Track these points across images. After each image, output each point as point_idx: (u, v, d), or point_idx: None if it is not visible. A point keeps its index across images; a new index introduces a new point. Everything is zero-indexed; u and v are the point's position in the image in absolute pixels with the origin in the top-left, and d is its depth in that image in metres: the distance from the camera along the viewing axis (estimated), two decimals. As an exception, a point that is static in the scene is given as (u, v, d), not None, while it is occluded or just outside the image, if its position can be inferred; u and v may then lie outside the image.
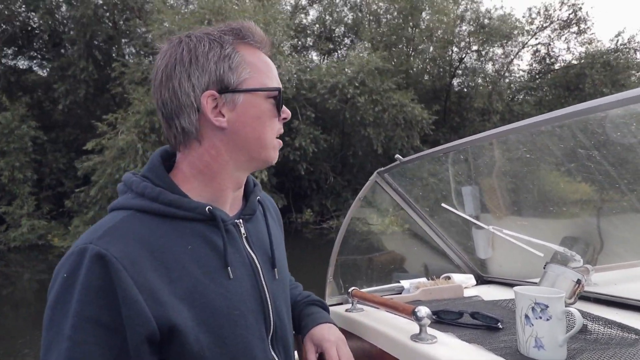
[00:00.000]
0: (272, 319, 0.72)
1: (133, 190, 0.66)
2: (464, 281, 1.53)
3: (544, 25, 17.29)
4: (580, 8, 16.69)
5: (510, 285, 1.43)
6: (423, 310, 0.89)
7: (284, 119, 0.73)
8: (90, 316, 0.54)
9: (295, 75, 12.65)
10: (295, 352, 0.95)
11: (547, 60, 18.12)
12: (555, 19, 17.07)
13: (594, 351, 0.80)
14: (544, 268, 1.17)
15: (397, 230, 1.77)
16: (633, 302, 1.05)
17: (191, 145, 0.68)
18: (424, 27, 16.39)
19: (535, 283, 1.17)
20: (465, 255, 1.63)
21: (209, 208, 0.66)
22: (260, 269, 0.72)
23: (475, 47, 16.62)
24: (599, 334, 0.89)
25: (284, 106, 0.71)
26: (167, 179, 0.67)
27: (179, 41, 0.67)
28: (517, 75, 18.87)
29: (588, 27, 17.19)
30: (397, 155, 1.38)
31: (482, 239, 1.60)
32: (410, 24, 16.33)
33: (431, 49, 16.57)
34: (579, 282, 1.11)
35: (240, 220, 0.73)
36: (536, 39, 17.65)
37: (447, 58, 16.68)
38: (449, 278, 1.50)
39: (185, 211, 0.65)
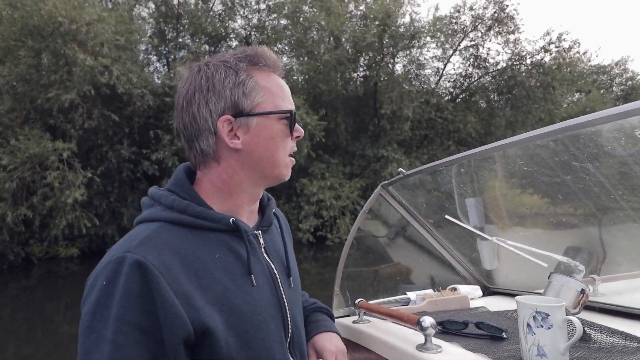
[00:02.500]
0: (289, 325, 0.76)
1: (162, 204, 0.71)
2: (470, 292, 1.54)
3: (473, 25, 15.83)
4: (507, 6, 15.38)
5: (517, 296, 1.44)
6: (428, 321, 0.91)
7: (297, 137, 0.78)
8: (130, 320, 0.57)
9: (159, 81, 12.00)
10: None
11: (477, 63, 16.69)
12: (483, 18, 15.68)
13: (595, 359, 0.82)
14: (549, 278, 1.19)
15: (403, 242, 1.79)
16: (637, 312, 1.05)
17: (210, 164, 0.73)
18: (325, 30, 14.39)
19: (541, 293, 1.19)
20: (471, 266, 1.64)
21: (233, 220, 0.71)
22: (278, 277, 0.76)
23: (386, 51, 14.74)
24: (602, 343, 0.90)
25: (297, 125, 0.76)
26: (193, 192, 0.72)
27: (198, 69, 0.73)
28: (449, 79, 17.33)
29: (517, 27, 15.84)
30: (400, 169, 1.42)
31: (487, 250, 1.61)
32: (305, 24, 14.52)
33: (322, 50, 14.35)
34: (583, 292, 1.13)
35: (259, 232, 0.78)
36: (472, 40, 16.25)
37: (351, 62, 14.95)
38: (455, 289, 1.52)
39: (212, 222, 0.70)
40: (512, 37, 15.74)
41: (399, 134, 14.19)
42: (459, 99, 17.01)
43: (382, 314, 1.12)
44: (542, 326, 0.81)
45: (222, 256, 0.69)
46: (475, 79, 16.81)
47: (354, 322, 1.24)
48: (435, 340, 0.94)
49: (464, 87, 17.12)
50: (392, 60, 15.36)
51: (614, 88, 23.36)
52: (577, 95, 22.44)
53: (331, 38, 14.51)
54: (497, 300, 1.47)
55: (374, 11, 13.94)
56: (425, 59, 16.28)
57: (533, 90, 15.51)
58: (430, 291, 1.50)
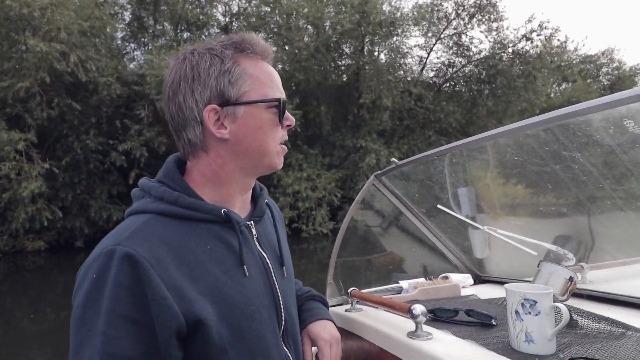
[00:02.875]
0: (283, 314, 0.76)
1: (152, 195, 0.70)
2: (462, 281, 1.56)
3: (455, 12, 15.21)
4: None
5: (507, 283, 1.46)
6: (418, 308, 0.92)
7: (288, 126, 0.76)
8: (121, 313, 0.57)
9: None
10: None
11: (460, 52, 16.19)
12: (465, 6, 15.15)
13: (582, 345, 0.84)
14: (538, 266, 1.20)
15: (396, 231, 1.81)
16: (623, 298, 1.08)
17: (199, 154, 0.72)
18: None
19: (531, 281, 1.21)
20: (462, 255, 1.66)
21: (224, 210, 0.70)
22: (271, 268, 0.76)
23: (367, 40, 14.17)
24: (589, 329, 0.92)
25: (287, 113, 0.75)
26: (184, 183, 0.71)
27: (183, 58, 0.72)
28: (432, 68, 16.73)
29: (500, 15, 15.30)
30: (393, 159, 1.42)
31: (479, 239, 1.63)
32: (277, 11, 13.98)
33: (302, 37, 13.78)
34: (571, 279, 1.15)
35: (251, 222, 0.77)
36: (455, 28, 15.67)
37: (332, 51, 14.27)
38: (446, 278, 1.54)
39: (203, 213, 0.69)
40: (495, 25, 15.40)
41: (379, 124, 13.88)
42: (441, 89, 16.58)
43: (374, 303, 1.13)
44: (530, 313, 0.82)
45: (214, 247, 0.68)
46: (459, 67, 16.38)
47: (346, 310, 1.26)
48: (426, 328, 0.95)
49: (447, 76, 16.69)
50: (373, 49, 14.79)
51: (601, 77, 23.34)
52: (563, 85, 22.18)
53: (308, 26, 14.09)
54: (487, 288, 1.49)
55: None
56: (407, 47, 15.79)
57: (514, 79, 15.15)
58: (422, 280, 1.51)
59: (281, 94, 0.74)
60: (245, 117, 0.70)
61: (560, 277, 1.15)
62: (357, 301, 1.25)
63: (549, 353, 0.81)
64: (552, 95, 21.02)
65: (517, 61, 15.37)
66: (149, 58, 11.80)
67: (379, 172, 1.53)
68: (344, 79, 15.16)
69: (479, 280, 1.63)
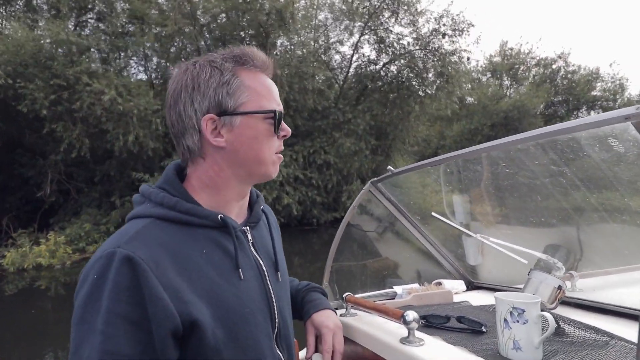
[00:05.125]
0: (277, 318, 0.79)
1: (152, 200, 0.73)
2: (455, 287, 1.59)
3: (378, 8, 13.60)
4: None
5: (499, 290, 1.49)
6: (411, 315, 0.95)
7: (284, 136, 0.79)
8: (120, 313, 0.59)
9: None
10: (301, 353, 1.01)
11: (380, 48, 14.72)
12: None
13: (567, 353, 0.87)
14: (528, 274, 1.24)
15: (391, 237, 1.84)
16: (609, 307, 1.11)
17: (197, 161, 0.76)
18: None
19: (522, 289, 1.24)
20: (456, 261, 1.70)
21: (220, 216, 0.73)
22: (266, 272, 0.79)
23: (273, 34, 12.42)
24: (575, 337, 0.95)
25: (283, 124, 0.78)
26: (182, 189, 0.75)
27: (185, 68, 0.75)
28: (356, 66, 15.18)
29: (420, 12, 13.87)
30: (389, 167, 1.45)
31: (472, 246, 1.66)
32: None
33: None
34: (560, 288, 1.18)
35: (247, 228, 0.80)
36: (377, 25, 14.06)
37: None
38: (440, 284, 1.57)
39: (200, 219, 0.72)
40: (420, 20, 13.95)
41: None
42: (357, 88, 15.27)
43: (369, 308, 1.16)
44: (518, 321, 0.85)
45: (210, 251, 0.71)
46: (380, 66, 15.01)
47: (341, 315, 1.28)
48: (418, 334, 0.98)
49: (367, 75, 15.17)
50: (280, 43, 13.32)
51: (558, 81, 23.33)
52: (521, 88, 21.64)
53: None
54: (479, 295, 1.52)
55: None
56: (326, 43, 14.65)
57: (428, 79, 14.25)
58: (416, 285, 1.54)
59: (278, 105, 0.77)
60: (241, 127, 0.74)
61: (549, 286, 1.18)
62: (351, 306, 1.28)
63: (535, 360, 0.84)
64: (507, 97, 20.61)
65: (433, 60, 14.16)
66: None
67: (375, 179, 1.56)
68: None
69: (471, 286, 1.66)
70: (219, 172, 0.75)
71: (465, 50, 14.31)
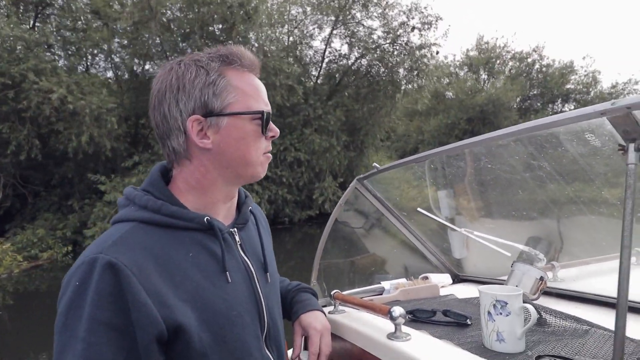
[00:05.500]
0: (266, 319, 0.78)
1: (136, 204, 0.71)
2: (441, 281, 1.62)
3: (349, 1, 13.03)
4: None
5: (484, 283, 1.52)
6: (397, 311, 0.96)
7: (272, 137, 0.78)
8: (102, 320, 0.58)
9: None
10: (289, 352, 1.02)
11: (352, 42, 14.29)
12: None
13: (549, 342, 0.89)
14: (511, 267, 1.27)
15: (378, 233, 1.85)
16: (589, 296, 1.15)
17: (183, 163, 0.74)
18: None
19: (505, 281, 1.27)
20: (442, 255, 1.72)
21: (207, 219, 0.72)
22: (254, 274, 0.78)
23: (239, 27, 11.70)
24: (556, 327, 0.98)
25: (271, 124, 0.77)
26: (167, 192, 0.73)
27: (170, 68, 0.73)
28: (329, 61, 14.84)
29: (391, 4, 13.39)
30: (375, 164, 1.46)
31: (457, 240, 1.69)
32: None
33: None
34: (542, 279, 1.21)
35: (235, 229, 0.79)
36: (348, 19, 13.53)
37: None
38: (426, 278, 1.59)
39: (185, 222, 0.71)
40: (390, 14, 13.68)
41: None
42: (329, 83, 14.89)
43: (356, 305, 1.17)
44: (501, 313, 0.87)
45: (196, 254, 0.70)
46: (353, 61, 14.79)
47: (329, 312, 1.29)
48: (405, 329, 0.99)
49: (339, 70, 14.95)
50: (248, 38, 12.47)
51: (533, 74, 23.54)
52: (498, 82, 21.71)
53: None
54: (465, 288, 1.55)
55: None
56: (300, 38, 14.18)
57: (397, 73, 14.00)
58: (403, 280, 1.56)
59: (266, 105, 0.76)
60: (228, 128, 0.72)
61: (531, 277, 1.21)
62: (339, 303, 1.29)
63: (518, 351, 0.86)
64: (483, 92, 20.61)
65: (402, 54, 13.90)
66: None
67: (361, 176, 1.57)
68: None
69: (457, 279, 1.69)
70: (206, 174, 0.74)
71: (434, 44, 14.19)
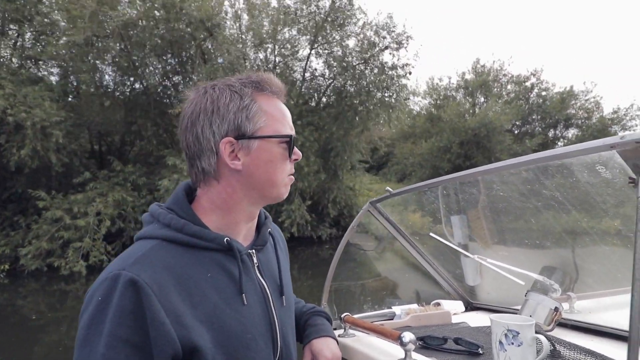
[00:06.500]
0: (279, 343, 0.79)
1: (160, 221, 0.74)
2: (453, 308, 1.60)
3: (321, 19, 12.90)
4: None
5: (497, 312, 1.50)
6: (408, 336, 0.96)
7: (295, 160, 0.82)
8: (121, 336, 0.60)
9: None
10: None
11: (328, 62, 14.00)
12: (321, 10, 12.88)
13: (562, 375, 0.88)
14: (525, 296, 1.25)
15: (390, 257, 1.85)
16: (604, 329, 1.12)
17: (210, 183, 0.76)
18: None
19: (519, 310, 1.25)
20: (454, 282, 1.71)
21: (227, 240, 0.74)
22: (270, 296, 0.79)
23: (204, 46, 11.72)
24: (568, 359, 0.96)
25: (295, 148, 0.80)
26: (190, 211, 0.75)
27: (204, 91, 0.77)
28: (311, 81, 14.39)
29: (358, 19, 13.14)
30: (387, 188, 1.48)
31: (471, 267, 1.67)
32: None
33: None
34: (556, 309, 1.19)
35: (253, 251, 0.81)
36: (324, 37, 13.30)
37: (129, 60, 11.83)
38: (438, 304, 1.57)
39: (206, 242, 0.73)
40: (368, 33, 13.34)
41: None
42: (299, 103, 14.34)
43: (367, 329, 1.17)
44: (512, 343, 0.87)
45: (215, 275, 0.72)
46: (325, 80, 14.47)
47: (339, 335, 1.29)
48: (415, 355, 0.99)
49: (314, 89, 14.70)
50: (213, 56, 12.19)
51: (532, 98, 23.16)
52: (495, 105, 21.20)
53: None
54: (478, 316, 1.53)
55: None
56: (280, 56, 13.80)
57: (370, 94, 13.54)
58: (414, 306, 1.55)
59: (291, 130, 0.80)
60: (258, 150, 0.75)
61: (546, 307, 1.19)
62: (350, 326, 1.29)
63: (530, 383, 0.85)
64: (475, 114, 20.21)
65: (376, 72, 13.48)
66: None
67: (374, 199, 1.59)
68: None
69: (470, 307, 1.67)
70: (232, 194, 0.76)
71: (406, 65, 13.83)
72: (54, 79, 12.30)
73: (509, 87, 23.75)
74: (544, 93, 23.27)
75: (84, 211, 9.78)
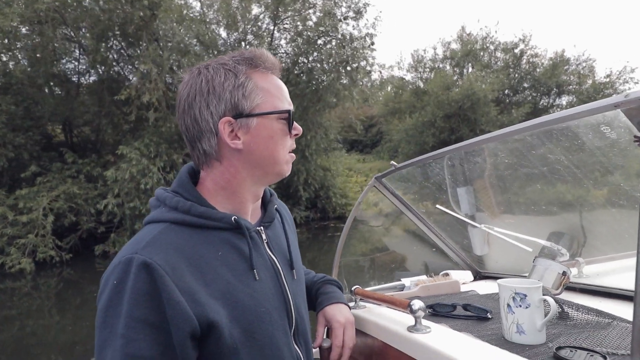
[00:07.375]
0: (293, 315, 0.81)
1: (166, 205, 0.75)
2: (462, 278, 1.62)
3: None
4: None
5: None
6: (417, 304, 0.98)
7: (296, 135, 0.81)
8: (139, 316, 0.62)
9: None
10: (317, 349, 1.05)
11: (294, 38, 13.51)
12: None
13: (570, 335, 0.90)
14: (533, 262, 1.26)
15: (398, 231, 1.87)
16: (612, 290, 1.13)
17: (212, 164, 0.77)
18: None
19: (527, 276, 1.26)
20: (462, 253, 1.72)
21: (234, 218, 0.75)
22: (281, 271, 0.81)
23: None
24: (578, 320, 0.98)
25: (295, 123, 0.79)
26: (196, 193, 0.76)
27: (198, 72, 0.76)
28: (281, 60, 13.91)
29: None
30: (392, 162, 1.48)
31: (478, 237, 1.69)
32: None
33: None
34: (564, 273, 1.20)
35: (261, 228, 0.82)
36: (289, 14, 12.90)
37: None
38: (447, 275, 1.59)
39: (214, 221, 0.74)
40: (320, 4, 12.87)
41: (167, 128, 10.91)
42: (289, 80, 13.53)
43: (377, 300, 1.19)
44: (520, 306, 0.88)
45: (225, 253, 0.73)
46: (295, 58, 13.87)
47: (351, 308, 1.32)
48: (425, 322, 1.01)
49: (286, 68, 13.74)
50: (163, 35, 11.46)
51: (524, 65, 22.20)
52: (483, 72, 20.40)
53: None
54: (487, 284, 1.55)
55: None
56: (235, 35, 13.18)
57: (338, 69, 13.07)
58: (423, 277, 1.57)
59: (289, 105, 0.79)
60: (257, 128, 0.75)
61: (554, 272, 1.20)
62: (360, 298, 1.31)
63: (539, 343, 0.87)
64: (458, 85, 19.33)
65: (333, 47, 12.95)
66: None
67: (379, 174, 1.60)
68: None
69: (479, 276, 1.69)
70: (235, 174, 0.76)
71: (367, 35, 13.35)
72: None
73: (497, 54, 22.75)
74: (534, 60, 22.29)
75: (30, 206, 9.56)
